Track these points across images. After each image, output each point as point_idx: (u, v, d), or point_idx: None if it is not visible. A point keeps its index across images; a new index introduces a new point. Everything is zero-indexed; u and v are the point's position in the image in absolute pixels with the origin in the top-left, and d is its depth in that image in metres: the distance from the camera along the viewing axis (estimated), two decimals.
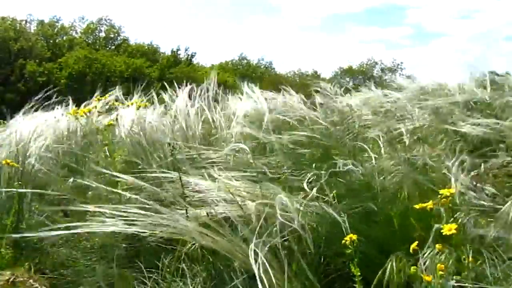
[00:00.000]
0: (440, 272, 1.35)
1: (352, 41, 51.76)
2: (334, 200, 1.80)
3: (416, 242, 1.53)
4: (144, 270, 1.67)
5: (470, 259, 1.48)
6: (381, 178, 2.14)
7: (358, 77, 34.04)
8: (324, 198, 1.81)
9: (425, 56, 49.14)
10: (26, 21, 25.56)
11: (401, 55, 61.83)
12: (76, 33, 28.59)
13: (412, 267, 1.44)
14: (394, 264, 1.52)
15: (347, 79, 34.03)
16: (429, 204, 1.71)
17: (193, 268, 1.64)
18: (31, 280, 1.55)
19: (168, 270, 1.63)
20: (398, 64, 34.45)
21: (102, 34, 29.16)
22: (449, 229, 1.52)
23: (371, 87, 3.95)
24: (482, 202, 2.06)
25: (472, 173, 2.25)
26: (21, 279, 1.53)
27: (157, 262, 1.73)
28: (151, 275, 1.65)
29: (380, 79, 30.32)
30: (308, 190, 1.89)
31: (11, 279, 1.51)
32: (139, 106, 2.68)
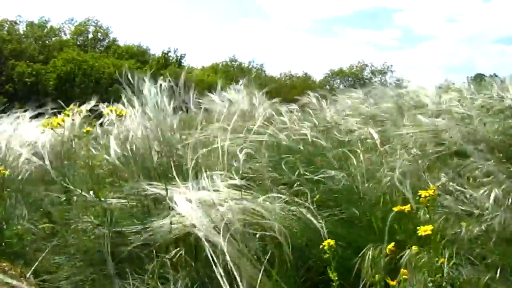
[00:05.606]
0: (404, 277, 1.38)
1: (343, 43, 52.05)
2: (314, 206, 1.82)
3: (392, 244, 1.55)
4: (128, 276, 1.68)
5: (443, 260, 1.51)
6: (364, 183, 2.17)
7: (349, 79, 34.21)
8: (305, 204, 1.84)
9: (414, 58, 49.63)
10: (15, 22, 25.26)
11: (390, 57, 62.42)
12: (65, 34, 28.37)
13: (377, 275, 1.47)
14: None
15: (338, 81, 34.23)
16: (407, 207, 1.75)
17: (176, 273, 1.66)
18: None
19: (151, 276, 1.65)
20: (388, 67, 34.72)
21: (90, 36, 28.96)
22: (424, 230, 1.56)
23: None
24: (460, 206, 2.11)
25: (451, 177, 2.30)
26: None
27: (141, 268, 1.75)
28: (134, 281, 1.66)
29: (370, 81, 30.52)
30: (291, 196, 1.92)
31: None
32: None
